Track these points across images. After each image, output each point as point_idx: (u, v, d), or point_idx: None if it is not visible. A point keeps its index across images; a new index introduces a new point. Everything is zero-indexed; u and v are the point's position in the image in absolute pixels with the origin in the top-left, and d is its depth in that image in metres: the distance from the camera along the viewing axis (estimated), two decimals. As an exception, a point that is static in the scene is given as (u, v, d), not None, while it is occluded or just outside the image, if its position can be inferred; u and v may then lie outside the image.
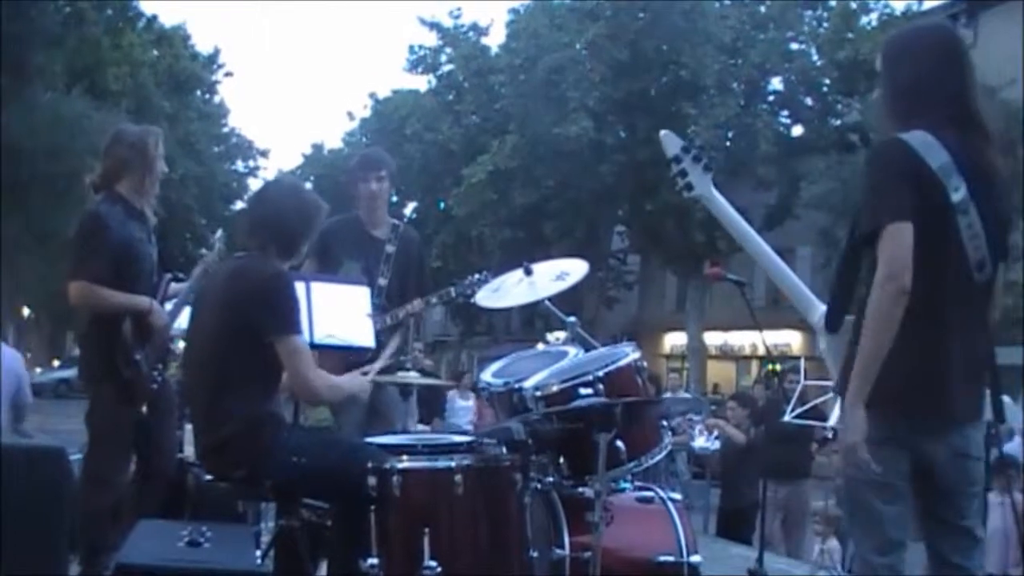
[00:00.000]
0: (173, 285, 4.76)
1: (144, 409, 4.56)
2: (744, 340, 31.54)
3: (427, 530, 3.48)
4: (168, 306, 4.69)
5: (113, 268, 4.46)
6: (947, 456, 3.05)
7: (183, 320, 4.49)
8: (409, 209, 35.77)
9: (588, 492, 3.78)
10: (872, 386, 2.95)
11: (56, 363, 45.57)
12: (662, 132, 3.91)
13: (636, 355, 4.10)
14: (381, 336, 4.93)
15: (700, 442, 9.22)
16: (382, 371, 4.31)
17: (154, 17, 30.39)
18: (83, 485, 4.60)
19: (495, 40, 31.77)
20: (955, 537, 3.10)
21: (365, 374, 4.05)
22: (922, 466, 3.04)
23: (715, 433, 9.02)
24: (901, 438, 3.01)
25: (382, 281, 5.28)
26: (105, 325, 4.51)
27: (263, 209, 3.90)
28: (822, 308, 3.41)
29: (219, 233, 5.26)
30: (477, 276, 5.04)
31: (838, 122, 26.30)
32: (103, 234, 4.48)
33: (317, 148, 46.44)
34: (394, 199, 6.54)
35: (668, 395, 10.47)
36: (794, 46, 26.37)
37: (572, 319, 4.68)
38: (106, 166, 4.67)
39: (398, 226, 5.53)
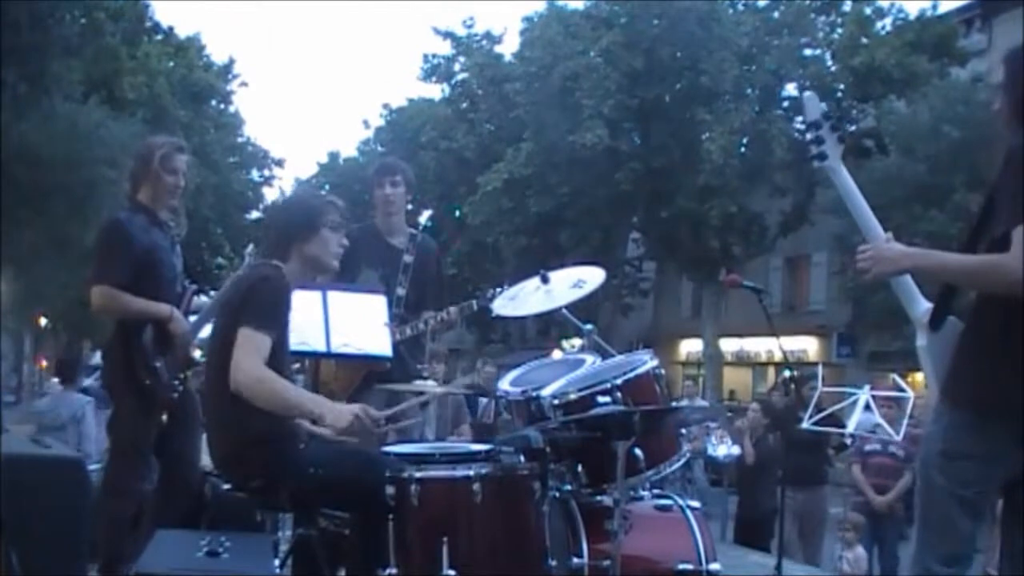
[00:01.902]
0: (199, 298, 4.78)
1: (164, 418, 4.57)
2: (760, 346, 31.45)
3: (445, 539, 3.48)
4: (193, 318, 4.71)
5: (134, 274, 4.51)
6: None
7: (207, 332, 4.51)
8: (424, 217, 35.79)
9: (607, 500, 3.78)
10: (982, 397, 3.00)
11: (73, 372, 45.78)
12: (806, 94, 3.78)
13: (654, 363, 4.09)
14: (400, 347, 4.94)
15: (722, 450, 9.17)
16: (395, 380, 4.34)
17: (170, 28, 30.53)
18: (104, 494, 4.62)
19: (509, 48, 31.77)
20: None
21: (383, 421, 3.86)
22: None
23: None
24: (1005, 451, 2.99)
25: (400, 291, 5.28)
26: (127, 334, 4.54)
27: (269, 217, 3.93)
28: (925, 304, 3.39)
29: (250, 247, 5.30)
30: (498, 289, 5.02)
31: (853, 128, 26.21)
32: (124, 240, 4.54)
33: (332, 157, 46.48)
34: (409, 207, 6.56)
35: (685, 402, 10.47)
36: (808, 52, 26.27)
37: (589, 327, 4.67)
38: (130, 180, 4.77)
39: (416, 235, 5.54)
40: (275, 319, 3.59)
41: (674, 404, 5.11)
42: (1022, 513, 3.09)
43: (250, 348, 3.48)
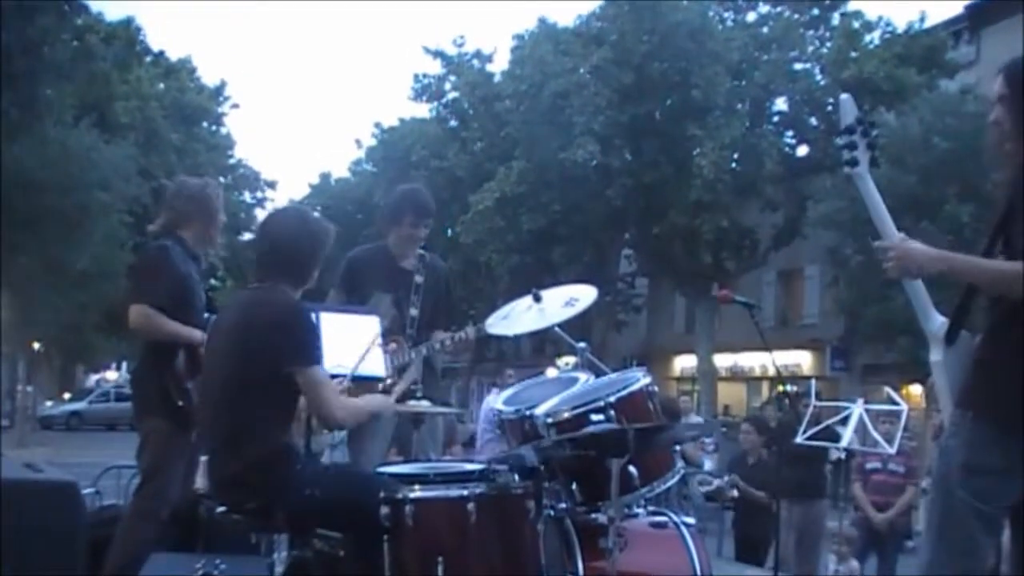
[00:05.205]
0: None
1: (195, 436, 4.66)
2: (754, 361, 31.47)
3: (441, 559, 3.48)
4: None
5: (171, 299, 4.72)
6: None
7: None
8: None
9: (601, 518, 3.77)
10: (1004, 411, 2.96)
11: (67, 396, 45.67)
12: (843, 96, 3.59)
13: (647, 380, 4.10)
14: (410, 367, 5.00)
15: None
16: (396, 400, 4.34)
17: (161, 52, 30.61)
18: (129, 515, 4.74)
19: (499, 67, 31.82)
20: None
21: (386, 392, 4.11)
22: None
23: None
24: (1021, 467, 2.96)
25: (413, 312, 5.31)
26: (159, 358, 4.73)
27: (269, 240, 3.91)
28: (940, 318, 3.34)
29: None
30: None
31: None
32: (167, 265, 4.78)
33: (324, 178, 46.55)
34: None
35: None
36: (798, 66, 26.38)
37: (582, 345, 4.68)
38: (168, 217, 5.01)
39: (424, 256, 5.55)
40: (320, 348, 3.80)
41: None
42: None
43: (329, 387, 3.77)
